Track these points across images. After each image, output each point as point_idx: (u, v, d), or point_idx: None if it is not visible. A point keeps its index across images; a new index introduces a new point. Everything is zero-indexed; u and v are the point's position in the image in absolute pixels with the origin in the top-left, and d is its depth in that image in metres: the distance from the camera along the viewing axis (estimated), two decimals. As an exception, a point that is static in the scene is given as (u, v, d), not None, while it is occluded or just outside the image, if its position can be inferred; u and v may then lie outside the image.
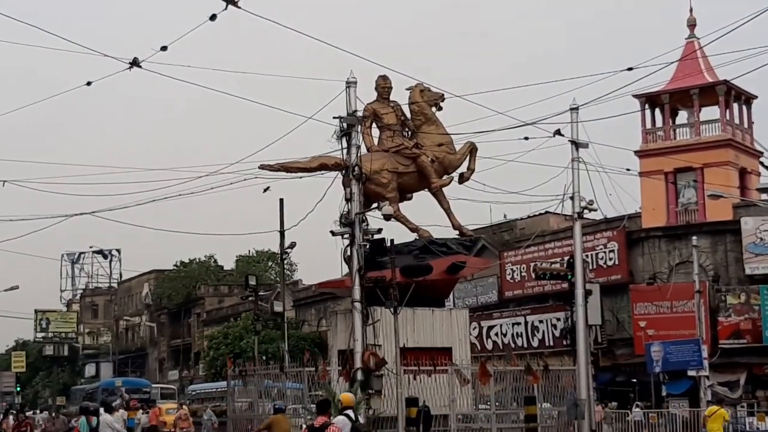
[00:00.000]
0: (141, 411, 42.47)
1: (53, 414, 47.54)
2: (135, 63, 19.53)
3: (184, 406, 43.11)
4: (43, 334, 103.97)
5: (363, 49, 23.79)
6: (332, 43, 23.95)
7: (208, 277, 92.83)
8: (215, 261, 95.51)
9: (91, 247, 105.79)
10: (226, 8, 16.97)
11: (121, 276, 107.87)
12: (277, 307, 51.41)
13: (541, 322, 51.99)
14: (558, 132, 27.91)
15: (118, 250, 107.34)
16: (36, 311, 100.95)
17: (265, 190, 28.28)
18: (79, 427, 29.44)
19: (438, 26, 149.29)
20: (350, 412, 17.46)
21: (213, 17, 17.65)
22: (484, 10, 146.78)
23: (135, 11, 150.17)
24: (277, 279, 62.91)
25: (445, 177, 29.32)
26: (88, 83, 22.19)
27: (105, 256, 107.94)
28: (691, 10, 51.22)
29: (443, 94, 29.43)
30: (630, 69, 24.67)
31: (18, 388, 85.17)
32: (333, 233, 25.95)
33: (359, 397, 23.64)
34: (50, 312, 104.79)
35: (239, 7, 16.90)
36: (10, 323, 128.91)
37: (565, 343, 45.14)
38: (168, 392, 73.01)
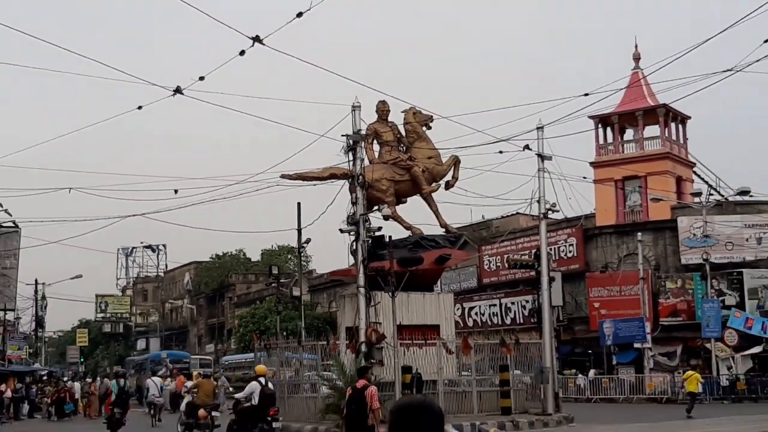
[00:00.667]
0: (169, 378, 42.47)
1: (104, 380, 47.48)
2: (178, 90, 19.53)
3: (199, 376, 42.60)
4: (102, 315, 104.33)
5: (365, 77, 23.87)
6: (341, 73, 24.01)
7: (238, 268, 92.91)
8: (244, 254, 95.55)
9: (141, 243, 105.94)
10: (252, 45, 16.99)
11: (166, 266, 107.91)
12: (296, 292, 51.47)
13: (512, 303, 52.03)
14: (527, 147, 27.96)
15: (164, 245, 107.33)
16: (97, 296, 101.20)
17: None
18: (111, 387, 31.09)
19: (428, 56, 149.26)
20: (261, 379, 19.81)
21: (242, 52, 17.68)
22: (467, 41, 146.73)
23: (177, 47, 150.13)
24: (296, 269, 62.88)
25: (433, 184, 29.37)
26: (139, 107, 22.20)
27: (153, 250, 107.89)
28: (636, 47, 51.34)
29: (432, 116, 29.50)
30: (586, 95, 24.76)
31: (81, 359, 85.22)
32: (341, 231, 25.97)
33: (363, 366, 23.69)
34: (108, 296, 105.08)
35: (264, 44, 16.95)
36: (75, 306, 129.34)
37: (532, 320, 45.19)
38: (205, 362, 72.84)
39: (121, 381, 30.21)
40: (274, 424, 19.35)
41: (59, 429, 31.88)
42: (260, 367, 22.49)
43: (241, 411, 19.96)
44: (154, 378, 36.87)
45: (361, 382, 15.43)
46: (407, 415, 2.79)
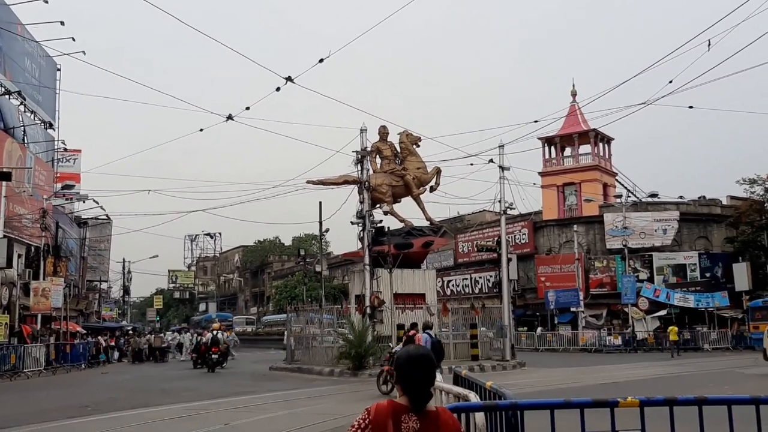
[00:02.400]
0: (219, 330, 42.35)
1: (156, 333, 46.96)
2: (230, 117, 19.52)
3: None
4: (173, 285, 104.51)
5: (370, 106, 23.88)
6: (352, 104, 24.00)
7: (275, 250, 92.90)
8: (279, 240, 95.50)
9: (203, 231, 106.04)
10: (285, 83, 17.01)
11: (221, 249, 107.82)
12: (318, 269, 51.44)
13: (480, 277, 52.03)
14: (491, 160, 28.02)
15: (220, 233, 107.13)
16: (169, 271, 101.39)
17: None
18: (182, 340, 32.23)
19: (419, 91, 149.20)
20: (214, 332, 28.69)
21: (278, 89, 17.66)
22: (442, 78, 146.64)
23: (229, 84, 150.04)
24: (318, 251, 62.94)
25: (421, 188, 29.38)
26: (201, 129, 22.22)
27: (212, 237, 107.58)
28: (573, 86, 51.47)
29: (420, 137, 29.53)
30: (536, 121, 24.94)
31: (158, 318, 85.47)
32: (352, 223, 26.04)
33: (368, 323, 23.70)
34: (178, 271, 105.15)
35: (294, 82, 16.96)
36: (153, 278, 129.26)
37: (495, 290, 45.26)
38: (250, 321, 73.13)
39: (199, 337, 31.98)
40: (213, 356, 27.25)
41: (150, 368, 31.84)
42: (215, 324, 31.57)
43: (199, 348, 28.72)
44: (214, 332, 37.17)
45: (412, 332, 17.55)
46: (411, 361, 2.85)
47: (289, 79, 16.86)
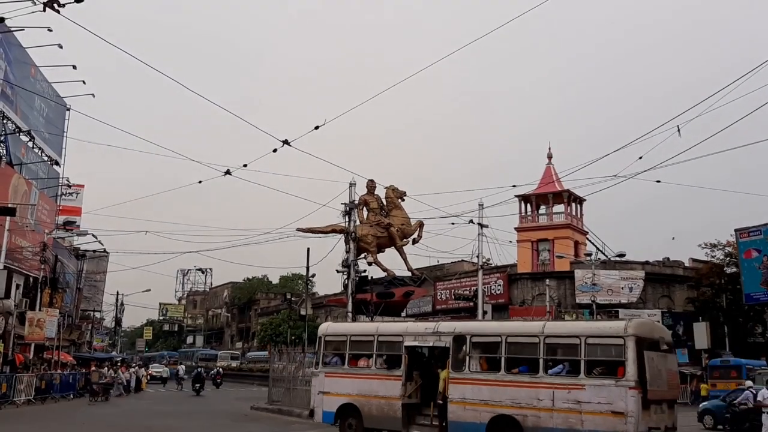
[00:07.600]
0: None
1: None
2: (228, 172, 19.59)
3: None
4: (163, 317, 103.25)
5: (359, 165, 24.09)
6: (342, 164, 24.19)
7: (262, 288, 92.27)
8: (267, 278, 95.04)
9: (195, 266, 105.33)
10: (282, 145, 17.15)
11: (211, 284, 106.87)
12: (302, 311, 50.97)
13: (456, 324, 51.68)
14: (471, 221, 28.28)
15: (210, 269, 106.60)
16: (160, 304, 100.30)
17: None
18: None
19: (405, 151, 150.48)
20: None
21: (275, 150, 17.79)
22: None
23: (229, 142, 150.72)
24: (303, 291, 62.48)
25: (404, 240, 29.48)
26: (200, 181, 22.31)
27: (203, 272, 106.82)
28: (549, 149, 52.27)
29: (405, 192, 29.76)
30: (514, 186, 25.18)
31: (147, 348, 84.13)
32: (337, 271, 26.04)
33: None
34: (168, 304, 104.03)
35: (291, 145, 17.11)
36: (144, 310, 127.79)
37: (470, 338, 44.85)
38: (234, 356, 72.02)
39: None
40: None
41: (132, 401, 31.08)
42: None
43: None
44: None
45: None
46: None
47: (285, 142, 17.00)
